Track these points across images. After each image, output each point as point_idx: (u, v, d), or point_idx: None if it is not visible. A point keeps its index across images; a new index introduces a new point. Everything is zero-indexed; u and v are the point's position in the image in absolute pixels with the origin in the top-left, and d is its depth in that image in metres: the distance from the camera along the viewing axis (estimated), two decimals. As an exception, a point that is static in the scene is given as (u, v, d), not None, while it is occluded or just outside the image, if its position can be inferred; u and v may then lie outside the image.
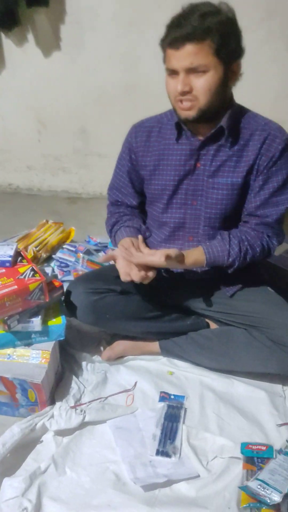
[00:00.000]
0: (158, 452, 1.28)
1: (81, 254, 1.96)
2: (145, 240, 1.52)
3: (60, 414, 1.34)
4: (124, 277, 1.37)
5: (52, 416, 1.34)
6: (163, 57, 1.28)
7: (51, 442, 1.31)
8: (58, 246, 2.15)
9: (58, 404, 1.39)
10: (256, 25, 2.10)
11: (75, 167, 2.78)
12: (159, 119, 1.46)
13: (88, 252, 2.02)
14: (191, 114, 1.28)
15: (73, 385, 1.47)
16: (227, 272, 1.45)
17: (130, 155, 1.50)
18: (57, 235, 2.20)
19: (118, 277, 1.53)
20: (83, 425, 1.35)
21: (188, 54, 1.20)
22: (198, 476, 1.22)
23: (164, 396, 1.46)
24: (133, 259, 1.35)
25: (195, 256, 1.40)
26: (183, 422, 1.37)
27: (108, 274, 1.56)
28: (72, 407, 1.38)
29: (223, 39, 1.20)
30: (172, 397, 1.46)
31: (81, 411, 1.37)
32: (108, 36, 2.31)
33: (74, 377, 1.50)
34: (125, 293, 1.52)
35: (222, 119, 1.33)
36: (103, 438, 1.33)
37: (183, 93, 1.25)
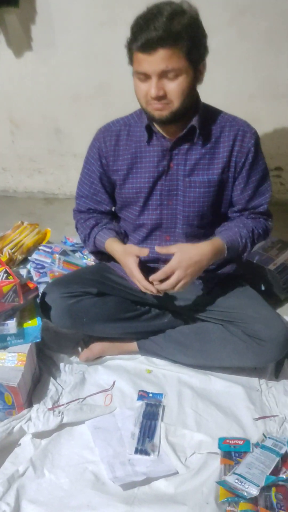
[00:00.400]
0: (137, 451, 1.29)
1: (57, 255, 1.95)
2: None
3: (38, 417, 1.34)
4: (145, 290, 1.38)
5: (30, 419, 1.34)
6: (130, 59, 1.26)
7: (29, 444, 1.30)
8: (34, 247, 2.13)
9: (35, 406, 1.38)
10: (227, 24, 2.12)
11: (51, 168, 2.76)
12: (126, 121, 1.45)
13: (64, 253, 2.01)
14: (164, 114, 1.28)
15: (51, 387, 1.46)
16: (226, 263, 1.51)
17: (100, 160, 1.47)
18: (33, 236, 2.18)
19: (94, 279, 1.53)
20: (61, 426, 1.35)
21: (161, 59, 1.19)
22: (177, 472, 1.23)
23: (142, 395, 1.46)
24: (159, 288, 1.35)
25: (212, 243, 1.37)
26: (162, 420, 1.38)
27: (84, 276, 1.56)
28: (49, 409, 1.37)
29: (193, 42, 1.20)
30: (151, 395, 1.46)
31: (59, 412, 1.36)
32: (80, 36, 2.30)
33: (51, 378, 1.49)
34: (102, 294, 1.52)
35: (192, 118, 1.34)
36: (81, 439, 1.33)
37: (158, 98, 1.24)
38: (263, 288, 1.85)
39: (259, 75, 2.28)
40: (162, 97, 1.25)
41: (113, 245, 1.47)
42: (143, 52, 1.20)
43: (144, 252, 1.38)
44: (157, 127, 1.38)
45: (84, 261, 2.04)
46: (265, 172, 1.47)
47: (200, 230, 1.49)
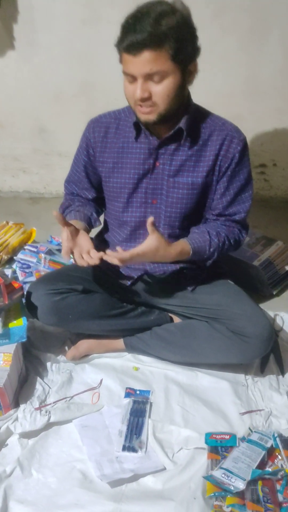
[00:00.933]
0: (124, 448, 1.29)
1: (42, 255, 1.94)
2: (90, 229, 1.50)
3: (25, 416, 1.34)
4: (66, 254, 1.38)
5: (17, 419, 1.33)
6: (119, 59, 1.26)
7: (16, 445, 1.30)
8: (20, 247, 2.12)
9: (22, 406, 1.38)
10: (209, 23, 2.12)
11: (36, 167, 2.75)
12: (117, 115, 1.46)
13: (49, 252, 2.01)
14: (151, 118, 1.29)
15: (38, 386, 1.46)
16: (197, 265, 1.50)
17: (87, 149, 1.49)
18: (18, 236, 2.17)
19: (80, 276, 1.53)
20: (48, 425, 1.35)
21: (146, 61, 1.19)
22: (164, 469, 1.24)
23: (129, 392, 1.47)
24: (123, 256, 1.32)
25: (181, 246, 1.38)
26: (149, 417, 1.39)
27: (69, 273, 1.56)
28: (36, 409, 1.37)
29: (179, 44, 1.20)
30: (138, 392, 1.47)
31: (46, 412, 1.36)
32: (62, 34, 2.29)
33: (38, 378, 1.49)
34: (87, 292, 1.52)
35: (180, 119, 1.34)
36: (69, 438, 1.33)
37: (143, 100, 1.25)
38: (247, 284, 1.86)
39: (241, 72, 2.29)
40: (147, 99, 1.25)
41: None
42: (128, 54, 1.20)
43: (95, 257, 1.34)
44: (145, 126, 1.38)
45: (71, 260, 2.03)
46: (247, 181, 1.46)
47: (181, 232, 1.49)
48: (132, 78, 1.24)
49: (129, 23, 1.20)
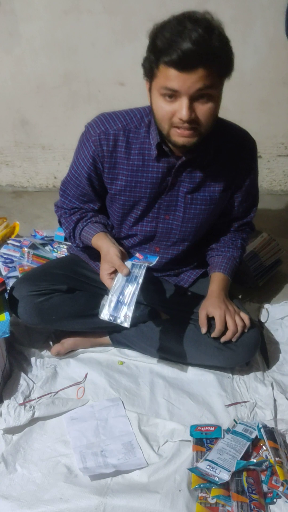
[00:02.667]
0: (107, 316, 1.24)
1: (26, 249, 1.92)
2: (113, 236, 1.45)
3: (8, 412, 1.32)
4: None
5: (0, 415, 1.32)
6: (149, 71, 1.13)
7: (0, 440, 1.28)
8: (2, 241, 2.10)
9: (6, 402, 1.36)
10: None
11: (19, 160, 2.71)
12: (125, 125, 1.30)
13: (33, 247, 1.99)
14: (192, 141, 1.18)
15: (22, 381, 1.44)
16: (181, 268, 1.53)
17: (95, 165, 1.35)
18: (1, 230, 2.15)
19: (64, 274, 1.50)
20: (33, 421, 1.34)
21: (199, 78, 1.06)
22: (147, 466, 1.23)
23: (138, 257, 1.34)
24: None
25: (217, 286, 1.45)
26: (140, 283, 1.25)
27: (53, 271, 1.52)
28: (20, 404, 1.36)
29: (229, 60, 1.11)
30: (147, 257, 1.33)
31: (31, 407, 1.35)
32: (44, 24, 2.26)
33: (22, 373, 1.47)
34: (72, 291, 1.50)
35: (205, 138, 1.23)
36: (54, 433, 1.32)
37: (189, 121, 1.13)
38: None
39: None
40: (192, 121, 1.13)
41: (98, 242, 1.36)
42: (178, 69, 1.06)
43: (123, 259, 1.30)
44: (169, 145, 1.27)
45: (54, 254, 2.01)
46: (258, 184, 1.49)
47: (191, 246, 1.49)
48: (173, 96, 1.11)
49: (176, 31, 1.04)
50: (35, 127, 2.56)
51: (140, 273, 1.26)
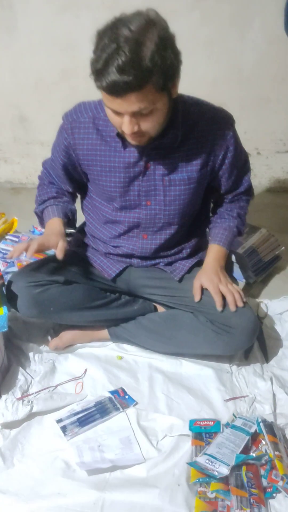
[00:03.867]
0: (59, 421, 1.31)
1: (24, 244, 1.91)
2: (69, 222, 1.56)
3: (6, 407, 1.32)
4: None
5: (-2, 409, 1.31)
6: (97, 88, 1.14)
7: (-2, 435, 1.28)
8: (1, 237, 2.09)
9: (4, 397, 1.36)
10: (190, 8, 2.10)
11: (17, 157, 2.70)
12: (95, 114, 1.35)
13: (31, 242, 1.97)
14: (142, 142, 1.25)
15: (20, 376, 1.44)
16: (176, 255, 1.54)
17: (67, 151, 1.42)
18: (-1, 226, 2.14)
19: (61, 267, 1.51)
20: (31, 416, 1.33)
21: (132, 102, 1.10)
22: (144, 461, 1.22)
23: (118, 391, 1.42)
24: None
25: (213, 255, 1.50)
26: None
27: (50, 264, 1.52)
28: (18, 399, 1.35)
29: (165, 72, 1.09)
30: (127, 397, 1.41)
31: (29, 402, 1.35)
32: (42, 20, 2.25)
33: (20, 368, 1.47)
34: (69, 283, 1.49)
35: (171, 123, 1.28)
36: (52, 427, 1.32)
37: (133, 134, 1.19)
38: (232, 271, 1.86)
39: (223, 60, 2.28)
40: (137, 133, 1.19)
41: (52, 223, 1.49)
42: (111, 95, 1.09)
43: (59, 251, 1.38)
44: None
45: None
46: (244, 155, 1.50)
47: (180, 228, 1.49)
48: (117, 112, 1.16)
49: (104, 58, 1.04)
50: (33, 123, 2.55)
51: (110, 412, 1.34)
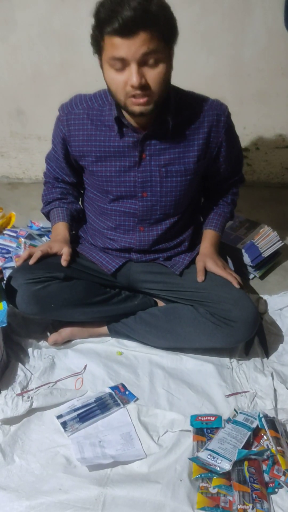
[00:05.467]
0: (60, 417, 1.31)
1: (22, 239, 1.90)
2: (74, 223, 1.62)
3: (6, 403, 1.30)
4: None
5: (-2, 405, 1.30)
6: (97, 46, 1.18)
7: (-2, 431, 1.27)
8: (-1, 232, 2.07)
9: (3, 392, 1.35)
10: (191, 1, 2.08)
11: (14, 151, 2.68)
12: (89, 105, 1.38)
13: (30, 237, 1.96)
14: (148, 108, 1.22)
15: (19, 372, 1.43)
16: (175, 249, 1.56)
17: (63, 143, 1.45)
18: (-3, 221, 2.12)
19: (60, 263, 1.50)
20: (31, 411, 1.32)
21: (142, 42, 1.11)
22: (146, 457, 1.21)
23: (118, 387, 1.41)
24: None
25: (209, 241, 1.56)
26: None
27: (50, 260, 1.51)
28: (18, 395, 1.34)
29: (169, 23, 1.15)
30: (127, 393, 1.40)
31: (28, 397, 1.33)
32: (40, 12, 2.22)
33: (20, 364, 1.45)
34: (69, 279, 1.48)
35: (163, 107, 1.29)
36: (52, 423, 1.31)
37: (140, 87, 1.16)
38: (232, 267, 1.85)
39: (224, 53, 2.26)
40: (144, 87, 1.17)
41: (57, 228, 1.57)
42: (120, 36, 1.10)
43: (64, 259, 1.47)
44: (128, 119, 1.32)
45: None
46: (239, 144, 1.54)
47: (177, 219, 1.50)
48: (122, 65, 1.15)
49: (111, 4, 1.10)
50: (31, 117, 2.53)
51: (110, 408, 1.34)
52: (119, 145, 1.36)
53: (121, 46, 1.12)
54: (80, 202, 1.66)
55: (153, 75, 1.17)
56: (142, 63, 1.15)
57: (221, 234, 1.61)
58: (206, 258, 1.51)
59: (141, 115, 1.25)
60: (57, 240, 1.53)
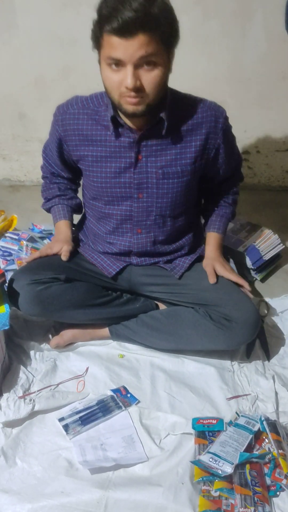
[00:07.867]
0: (61, 420, 1.32)
1: (24, 242, 1.91)
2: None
3: (8, 405, 1.31)
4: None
5: (0, 408, 1.30)
6: (96, 43, 1.18)
7: (0, 434, 1.27)
8: (0, 234, 2.08)
9: (5, 395, 1.35)
10: (192, 5, 2.10)
11: (16, 154, 2.68)
12: (85, 104, 1.38)
13: (31, 240, 1.97)
14: (140, 109, 1.21)
15: (21, 375, 1.43)
16: (176, 253, 1.56)
17: (59, 142, 1.46)
18: (-1, 223, 2.13)
19: (63, 265, 1.51)
20: (33, 414, 1.32)
21: (140, 44, 1.10)
22: (147, 460, 1.22)
23: (120, 390, 1.42)
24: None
25: (213, 244, 1.58)
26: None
27: (52, 262, 1.52)
28: (20, 397, 1.34)
29: (170, 27, 1.14)
30: (129, 395, 1.41)
31: (30, 400, 1.34)
32: (42, 16, 2.23)
33: (22, 367, 1.46)
34: (71, 280, 1.49)
35: (160, 108, 1.29)
36: (54, 426, 1.31)
37: (135, 89, 1.16)
38: (235, 269, 1.85)
39: (224, 57, 2.27)
40: (138, 89, 1.17)
41: (59, 228, 1.60)
42: (119, 36, 1.09)
43: (64, 255, 1.52)
44: (123, 119, 1.32)
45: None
46: (236, 146, 1.53)
47: (173, 221, 1.49)
48: (118, 65, 1.15)
49: (113, 3, 1.09)
50: (33, 121, 2.54)
51: (112, 410, 1.34)
52: (115, 145, 1.36)
53: (118, 47, 1.11)
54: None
55: (149, 78, 1.16)
56: (138, 65, 1.14)
57: (224, 236, 1.62)
58: (215, 262, 1.53)
59: (133, 115, 1.25)
60: (58, 240, 1.56)
